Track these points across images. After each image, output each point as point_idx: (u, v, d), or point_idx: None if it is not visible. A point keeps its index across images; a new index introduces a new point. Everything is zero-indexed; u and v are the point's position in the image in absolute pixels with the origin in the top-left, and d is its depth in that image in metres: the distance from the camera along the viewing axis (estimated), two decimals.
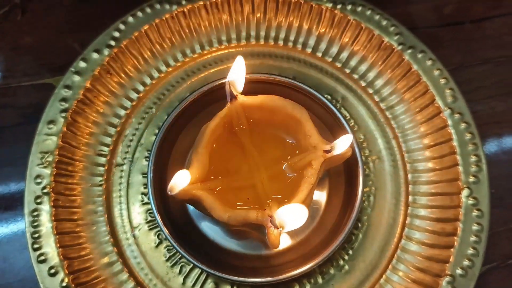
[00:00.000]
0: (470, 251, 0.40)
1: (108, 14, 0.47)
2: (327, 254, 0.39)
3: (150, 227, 0.43)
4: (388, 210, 0.43)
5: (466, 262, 0.39)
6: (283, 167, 0.39)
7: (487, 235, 0.40)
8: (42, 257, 0.40)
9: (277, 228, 0.34)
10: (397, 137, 0.44)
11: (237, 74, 0.38)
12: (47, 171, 0.42)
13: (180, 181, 0.36)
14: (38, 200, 0.41)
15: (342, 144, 0.36)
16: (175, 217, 0.42)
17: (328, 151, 0.37)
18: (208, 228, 0.43)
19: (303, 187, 0.37)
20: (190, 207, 0.44)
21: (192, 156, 0.38)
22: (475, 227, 0.40)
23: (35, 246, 0.40)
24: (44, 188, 0.42)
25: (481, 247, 0.40)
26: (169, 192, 0.36)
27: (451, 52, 0.49)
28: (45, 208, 0.41)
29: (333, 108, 0.42)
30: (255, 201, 0.39)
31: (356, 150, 0.40)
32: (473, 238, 0.40)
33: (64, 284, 0.39)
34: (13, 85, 0.48)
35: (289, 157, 0.40)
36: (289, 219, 0.34)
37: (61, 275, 0.40)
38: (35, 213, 0.41)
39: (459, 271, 0.39)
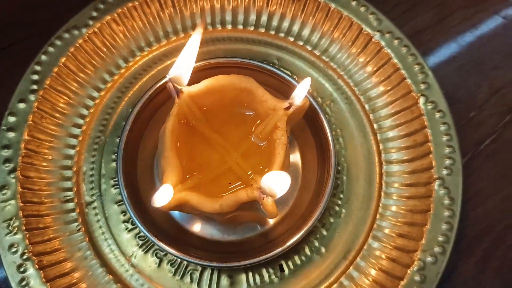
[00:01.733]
0: (447, 149, 0.42)
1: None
2: (322, 206, 0.39)
3: (145, 250, 0.42)
4: (360, 144, 0.44)
5: (447, 161, 0.41)
6: (252, 141, 0.39)
7: (455, 130, 0.42)
8: None
9: (270, 196, 0.34)
10: (342, 76, 0.45)
11: (178, 68, 0.37)
12: (19, 237, 0.39)
13: (163, 197, 0.35)
14: (21, 269, 0.39)
15: (301, 92, 0.36)
16: (163, 229, 0.41)
17: (288, 107, 0.37)
18: (200, 229, 0.43)
19: (278, 149, 0.37)
20: (175, 215, 0.43)
21: (162, 163, 0.37)
22: (442, 127, 0.42)
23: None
24: (22, 254, 0.39)
25: (455, 143, 0.42)
26: (154, 205, 0.35)
27: None
28: (32, 273, 0.39)
29: (274, 69, 0.42)
30: (238, 183, 0.38)
31: (311, 99, 0.41)
32: (444, 138, 0.42)
33: None
34: None
35: (253, 129, 0.40)
36: (276, 184, 0.34)
37: None
38: (23, 283, 0.39)
39: (444, 171, 0.41)
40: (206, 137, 0.40)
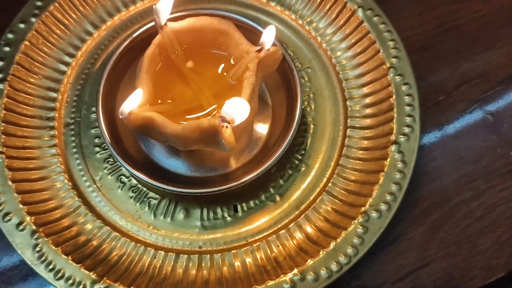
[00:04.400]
0: (408, 119, 0.44)
1: None
2: (279, 153, 0.41)
3: (111, 174, 0.44)
4: (330, 109, 0.46)
5: (406, 129, 0.43)
6: (224, 82, 0.42)
7: (418, 102, 0.44)
8: (8, 217, 0.40)
9: (229, 123, 0.37)
10: (321, 45, 0.48)
11: (164, 3, 0.41)
12: None
13: (131, 102, 0.38)
14: None
15: (267, 37, 0.39)
16: (133, 157, 0.44)
17: (259, 50, 0.40)
18: (166, 161, 0.45)
19: (244, 87, 0.39)
20: (146, 147, 0.45)
21: (136, 83, 0.40)
22: (407, 98, 0.44)
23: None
24: None
25: (416, 112, 0.44)
26: (120, 116, 0.38)
27: None
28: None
29: (252, 23, 0.44)
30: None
31: (286, 55, 0.43)
32: (407, 108, 0.44)
33: (36, 236, 0.40)
34: None
35: (227, 71, 0.42)
36: (235, 111, 0.36)
37: (30, 228, 0.40)
38: None
39: (402, 137, 0.43)
40: (183, 73, 0.42)
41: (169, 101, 0.41)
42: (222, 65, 0.43)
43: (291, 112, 0.43)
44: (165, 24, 0.41)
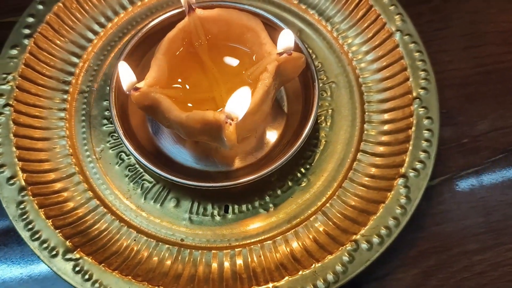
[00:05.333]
0: (422, 154, 0.41)
1: None
2: (281, 162, 0.39)
3: (113, 149, 0.44)
4: (345, 129, 0.44)
5: (418, 165, 0.41)
6: (241, 79, 0.41)
7: (437, 139, 0.41)
8: (2, 169, 0.41)
9: (232, 120, 0.36)
10: (351, 61, 0.46)
11: None
12: (7, 88, 0.43)
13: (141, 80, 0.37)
14: (1, 118, 0.42)
15: (284, 41, 0.38)
16: (138, 139, 0.43)
17: (281, 54, 0.39)
18: (168, 147, 0.44)
19: (258, 87, 0.38)
20: (151, 128, 0.45)
21: (151, 62, 0.39)
22: (426, 133, 0.42)
23: None
24: (5, 105, 0.42)
25: (433, 149, 0.41)
26: (126, 91, 0.38)
27: None
28: (3, 121, 0.42)
29: (282, 24, 0.43)
30: None
31: (312, 66, 0.42)
32: (424, 144, 0.42)
33: (23, 193, 0.40)
34: None
35: (245, 69, 0.41)
36: (238, 105, 0.35)
37: (19, 184, 0.40)
38: None
39: (412, 173, 0.41)
40: (203, 63, 0.42)
41: (182, 87, 0.41)
42: (243, 62, 0.42)
43: (304, 123, 0.42)
44: (194, 9, 0.40)
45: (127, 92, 0.37)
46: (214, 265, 0.39)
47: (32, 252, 0.38)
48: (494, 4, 0.51)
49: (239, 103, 0.35)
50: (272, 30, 0.41)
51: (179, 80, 0.41)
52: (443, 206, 0.43)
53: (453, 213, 0.43)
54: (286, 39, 0.38)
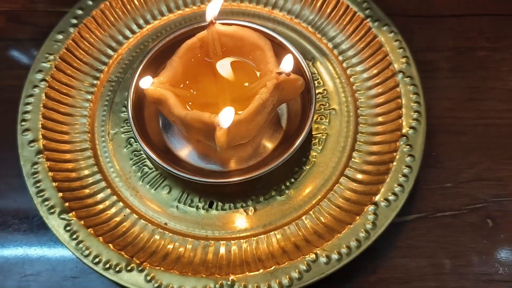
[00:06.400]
0: (397, 188, 0.44)
1: None
2: (265, 170, 0.43)
3: (124, 133, 0.49)
4: (335, 153, 0.48)
5: (391, 197, 0.43)
6: (245, 91, 0.45)
7: (415, 177, 0.44)
8: (27, 133, 0.47)
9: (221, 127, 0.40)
10: (354, 95, 0.50)
11: (215, 4, 0.45)
12: (47, 66, 0.49)
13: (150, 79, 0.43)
14: (35, 90, 0.49)
15: (286, 65, 0.42)
16: (145, 127, 0.48)
17: (280, 73, 0.43)
18: (173, 141, 0.49)
19: (254, 100, 0.42)
20: (161, 122, 0.50)
21: (167, 63, 0.45)
22: (405, 169, 0.44)
23: (23, 124, 0.47)
24: (42, 80, 0.49)
25: (408, 185, 0.44)
26: (140, 85, 0.43)
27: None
28: (37, 94, 0.48)
29: (292, 48, 0.47)
30: None
31: (312, 90, 0.46)
32: (402, 178, 0.44)
33: (39, 156, 0.46)
34: (40, 10, 0.57)
35: (250, 83, 0.46)
36: (226, 117, 0.40)
37: (37, 147, 0.46)
38: (29, 99, 0.48)
39: (383, 203, 0.43)
40: (214, 71, 0.46)
41: (192, 90, 0.46)
42: (249, 76, 0.46)
43: (294, 140, 0.46)
44: (213, 23, 0.45)
45: (140, 86, 0.43)
46: (188, 250, 0.43)
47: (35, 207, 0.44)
48: (506, 64, 0.53)
49: (227, 116, 0.40)
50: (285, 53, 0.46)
51: (188, 82, 0.46)
52: (413, 241, 0.45)
53: (421, 250, 0.45)
54: (287, 62, 0.43)
